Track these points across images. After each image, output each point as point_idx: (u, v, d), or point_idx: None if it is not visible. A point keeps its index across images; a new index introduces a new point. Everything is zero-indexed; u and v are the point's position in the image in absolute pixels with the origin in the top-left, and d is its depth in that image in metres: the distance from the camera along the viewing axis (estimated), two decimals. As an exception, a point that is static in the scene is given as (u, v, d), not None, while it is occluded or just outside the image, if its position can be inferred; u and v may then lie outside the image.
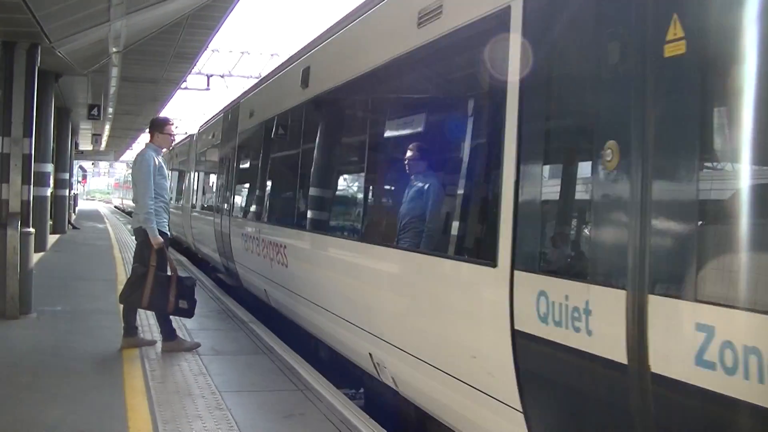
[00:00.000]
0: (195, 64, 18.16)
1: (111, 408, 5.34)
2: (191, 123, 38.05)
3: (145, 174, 7.11)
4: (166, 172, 7.54)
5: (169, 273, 7.19)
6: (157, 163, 7.24)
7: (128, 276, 7.41)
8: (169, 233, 7.40)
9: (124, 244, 20.01)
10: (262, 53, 53.10)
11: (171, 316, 7.29)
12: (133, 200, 7.81)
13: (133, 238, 7.74)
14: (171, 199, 13.63)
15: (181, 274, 7.47)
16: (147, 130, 7.73)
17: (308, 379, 6.33)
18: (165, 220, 7.27)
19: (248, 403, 5.57)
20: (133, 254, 7.86)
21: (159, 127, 7.52)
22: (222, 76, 29.01)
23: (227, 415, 5.22)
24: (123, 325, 7.29)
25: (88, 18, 10.14)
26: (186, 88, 27.51)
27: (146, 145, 7.54)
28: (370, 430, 5.04)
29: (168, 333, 7.24)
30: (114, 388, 5.83)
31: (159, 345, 7.32)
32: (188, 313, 7.37)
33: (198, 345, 7.36)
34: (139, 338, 7.38)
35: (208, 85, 28.93)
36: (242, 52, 28.92)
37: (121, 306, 7.33)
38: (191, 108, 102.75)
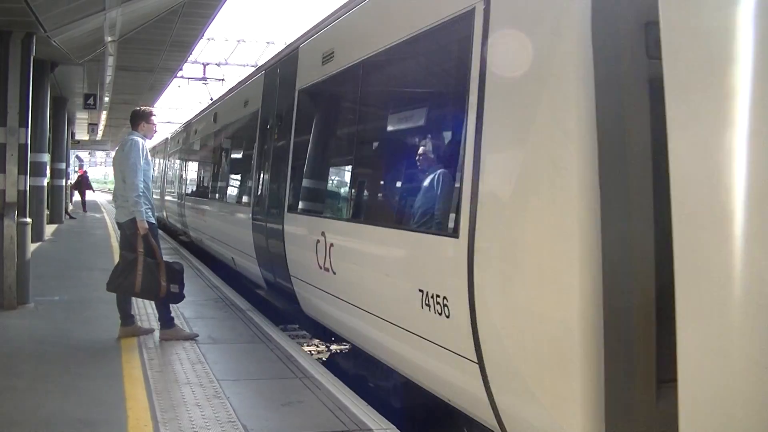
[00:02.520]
0: (191, 53, 18.08)
1: (110, 397, 5.37)
2: (187, 112, 37.92)
3: (135, 158, 7.06)
4: (151, 161, 7.52)
5: (156, 259, 7.10)
6: (145, 150, 7.23)
7: (116, 263, 7.34)
8: (154, 221, 7.35)
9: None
10: (258, 41, 52.85)
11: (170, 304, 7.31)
12: (115, 191, 7.69)
13: (118, 230, 7.63)
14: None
15: (167, 259, 7.43)
16: (130, 120, 7.63)
17: (306, 366, 6.36)
18: (149, 208, 7.22)
19: (246, 392, 5.60)
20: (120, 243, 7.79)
21: (146, 117, 7.49)
22: (218, 65, 28.97)
23: (225, 403, 5.25)
24: (119, 314, 7.31)
25: (83, 7, 10.09)
26: (182, 77, 27.45)
27: (131, 132, 7.44)
28: (368, 416, 5.07)
29: (166, 321, 7.26)
30: (113, 377, 5.86)
31: (157, 334, 7.34)
32: (179, 298, 7.37)
33: (196, 335, 7.37)
34: (136, 327, 7.41)
35: (204, 73, 28.89)
36: (238, 41, 28.94)
37: (116, 295, 7.31)
38: (186, 97, 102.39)
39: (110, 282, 7.12)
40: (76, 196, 31.45)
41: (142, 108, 7.75)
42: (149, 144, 8.83)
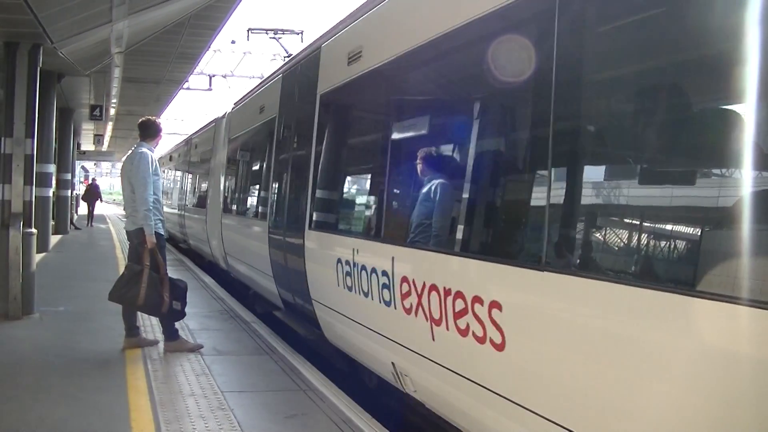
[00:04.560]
0: (197, 65, 18.17)
1: (114, 408, 5.35)
2: (193, 123, 38.05)
3: (144, 171, 7.07)
4: (160, 171, 7.55)
5: (159, 274, 7.07)
6: (154, 162, 7.26)
7: (121, 274, 7.31)
8: (164, 233, 7.38)
9: (126, 244, 20.01)
10: (263, 53, 53.12)
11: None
12: (124, 200, 7.68)
13: (127, 240, 7.61)
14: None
15: (172, 276, 7.39)
16: (139, 130, 7.65)
17: (311, 379, 6.34)
18: (160, 220, 7.26)
19: (250, 404, 5.58)
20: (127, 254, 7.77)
21: (157, 129, 7.59)
22: (224, 77, 29.07)
23: (229, 415, 5.23)
24: (124, 326, 7.29)
25: (90, 18, 10.15)
26: (188, 89, 27.54)
27: (140, 144, 7.49)
28: (372, 430, 5.04)
29: (170, 333, 7.24)
30: (117, 389, 5.84)
31: (161, 345, 7.32)
32: (180, 315, 7.35)
33: (201, 347, 7.35)
34: (141, 338, 7.39)
35: (210, 85, 29.00)
36: (244, 53, 29.00)
37: (121, 306, 7.30)
38: (193, 108, 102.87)
39: (113, 292, 7.08)
40: (84, 208, 31.16)
41: (154, 119, 7.77)
42: (157, 153, 8.86)
